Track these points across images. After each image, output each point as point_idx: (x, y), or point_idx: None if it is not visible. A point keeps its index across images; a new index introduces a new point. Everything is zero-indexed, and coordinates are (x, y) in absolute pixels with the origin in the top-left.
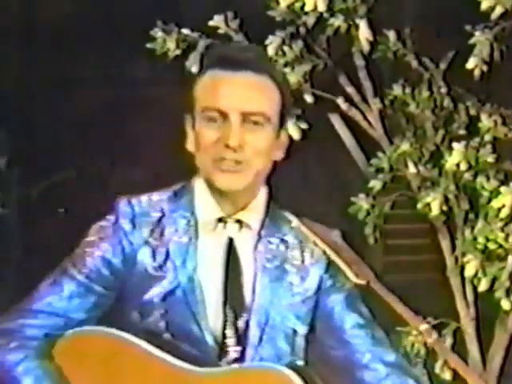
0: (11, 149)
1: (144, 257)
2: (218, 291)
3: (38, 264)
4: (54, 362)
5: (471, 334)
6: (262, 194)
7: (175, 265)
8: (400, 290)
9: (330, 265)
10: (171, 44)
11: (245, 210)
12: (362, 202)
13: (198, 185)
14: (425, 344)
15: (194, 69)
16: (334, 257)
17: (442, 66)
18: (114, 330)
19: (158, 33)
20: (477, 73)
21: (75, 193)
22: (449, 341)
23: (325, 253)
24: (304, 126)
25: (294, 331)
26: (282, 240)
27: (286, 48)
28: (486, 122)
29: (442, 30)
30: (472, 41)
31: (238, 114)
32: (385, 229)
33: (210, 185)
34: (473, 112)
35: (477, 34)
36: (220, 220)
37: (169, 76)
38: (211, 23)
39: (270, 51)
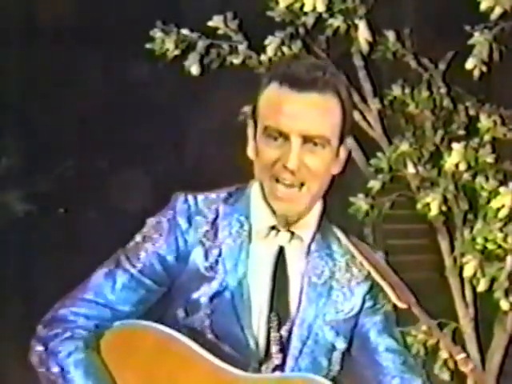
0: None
1: (197, 256)
2: (264, 297)
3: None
4: (99, 355)
5: (470, 334)
6: (317, 208)
7: (226, 267)
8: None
9: (373, 286)
10: (170, 44)
11: (298, 223)
12: (361, 203)
13: (255, 191)
14: (424, 344)
15: (194, 69)
16: (378, 279)
17: (442, 66)
18: (161, 326)
19: (157, 33)
20: (476, 73)
21: (74, 192)
22: (448, 341)
23: (369, 274)
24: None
25: (333, 347)
26: (331, 257)
27: (285, 48)
28: (485, 122)
29: (441, 31)
30: (471, 41)
31: (299, 136)
32: (385, 229)
33: (265, 199)
34: (472, 112)
35: (476, 34)
36: (273, 228)
37: (168, 76)
38: (210, 23)
39: (269, 52)
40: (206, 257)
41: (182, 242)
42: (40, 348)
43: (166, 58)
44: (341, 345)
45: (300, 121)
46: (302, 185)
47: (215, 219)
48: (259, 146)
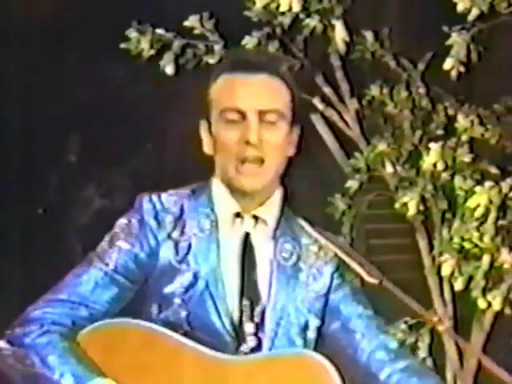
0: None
1: (167, 251)
2: (235, 283)
3: None
4: (79, 347)
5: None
6: (278, 194)
7: (198, 258)
8: (381, 289)
9: (340, 265)
10: (145, 44)
11: (261, 207)
12: (339, 202)
13: (216, 184)
14: (402, 343)
15: (169, 69)
16: (346, 258)
17: (421, 66)
18: (143, 322)
19: (133, 33)
20: (454, 73)
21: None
22: (426, 340)
23: (335, 255)
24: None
25: (307, 325)
26: (297, 241)
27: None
28: (462, 122)
29: (420, 31)
30: (449, 42)
31: (256, 112)
32: (368, 229)
33: (230, 185)
34: (451, 112)
35: (453, 35)
36: (238, 215)
37: (145, 76)
38: (186, 23)
39: None
40: (177, 251)
41: (153, 239)
42: (11, 347)
43: (141, 58)
44: (314, 323)
45: (255, 98)
46: (263, 162)
47: (181, 215)
48: (218, 135)
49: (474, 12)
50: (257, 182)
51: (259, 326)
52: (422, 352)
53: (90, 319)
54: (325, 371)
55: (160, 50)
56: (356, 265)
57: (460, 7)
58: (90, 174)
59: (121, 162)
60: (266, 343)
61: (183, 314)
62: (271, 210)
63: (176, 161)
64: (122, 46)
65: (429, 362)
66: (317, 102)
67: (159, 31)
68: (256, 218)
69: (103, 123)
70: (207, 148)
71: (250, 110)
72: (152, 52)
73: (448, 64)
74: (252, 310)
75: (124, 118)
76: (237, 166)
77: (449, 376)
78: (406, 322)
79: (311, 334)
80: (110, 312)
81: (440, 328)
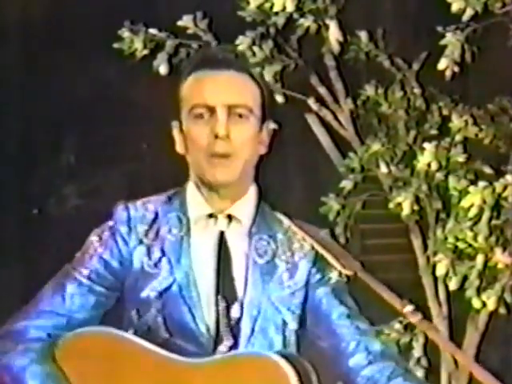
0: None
1: (140, 256)
2: (210, 283)
3: None
4: (56, 364)
5: (443, 333)
6: (252, 191)
7: (171, 262)
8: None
9: (317, 259)
10: (139, 44)
11: (234, 205)
12: (333, 203)
13: (190, 187)
14: (397, 343)
15: (162, 69)
16: (321, 251)
17: (415, 66)
18: (111, 329)
19: (125, 33)
20: (448, 73)
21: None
22: (421, 339)
23: (313, 248)
24: (273, 126)
25: (285, 322)
26: (272, 237)
27: (256, 48)
28: (456, 122)
29: (415, 31)
30: (443, 42)
31: (224, 106)
32: (362, 229)
33: (201, 181)
34: (445, 112)
35: (448, 35)
36: (211, 216)
37: (138, 76)
38: (180, 23)
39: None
40: (149, 255)
41: (124, 245)
42: None
43: (134, 58)
44: (291, 320)
45: (223, 93)
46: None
47: (155, 219)
48: (188, 132)
49: (469, 12)
50: (228, 173)
51: (236, 325)
52: (417, 351)
53: (68, 328)
54: (283, 374)
55: (153, 49)
56: (331, 257)
57: (454, 7)
58: (85, 174)
59: (116, 162)
60: (242, 341)
61: (160, 318)
62: (245, 207)
63: (169, 161)
64: (115, 45)
65: (424, 362)
66: (311, 102)
67: (152, 31)
68: (230, 216)
69: (97, 123)
70: (179, 147)
71: (219, 104)
72: (145, 52)
73: (442, 64)
74: (228, 309)
75: (117, 117)
76: (208, 161)
77: (444, 375)
78: (400, 322)
79: (290, 333)
80: (90, 320)
81: (412, 320)
